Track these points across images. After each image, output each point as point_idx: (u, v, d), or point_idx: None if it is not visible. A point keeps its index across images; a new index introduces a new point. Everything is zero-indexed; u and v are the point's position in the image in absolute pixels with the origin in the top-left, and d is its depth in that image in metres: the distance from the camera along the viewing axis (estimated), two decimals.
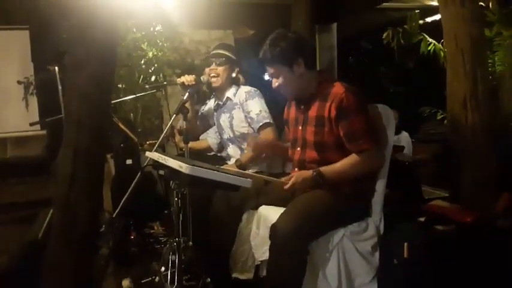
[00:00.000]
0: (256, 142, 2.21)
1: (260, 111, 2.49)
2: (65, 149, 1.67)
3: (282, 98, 2.23)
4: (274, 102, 2.56)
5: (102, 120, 1.73)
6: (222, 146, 2.91)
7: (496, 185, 2.35)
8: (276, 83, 2.01)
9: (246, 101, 2.54)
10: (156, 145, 2.31)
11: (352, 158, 1.90)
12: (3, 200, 4.23)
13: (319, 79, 2.03)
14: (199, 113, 2.87)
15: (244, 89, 2.59)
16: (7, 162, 5.19)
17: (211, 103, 2.84)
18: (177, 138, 3.20)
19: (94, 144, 1.67)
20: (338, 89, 1.92)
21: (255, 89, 2.58)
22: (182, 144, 2.98)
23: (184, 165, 1.63)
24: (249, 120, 2.54)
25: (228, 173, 1.75)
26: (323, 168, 1.90)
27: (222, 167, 2.37)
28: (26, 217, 3.10)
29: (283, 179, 1.94)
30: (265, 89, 2.55)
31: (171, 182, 1.96)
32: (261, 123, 2.47)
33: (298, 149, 2.08)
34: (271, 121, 2.49)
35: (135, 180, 2.30)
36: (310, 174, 1.90)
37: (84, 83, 1.65)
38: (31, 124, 2.92)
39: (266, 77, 2.06)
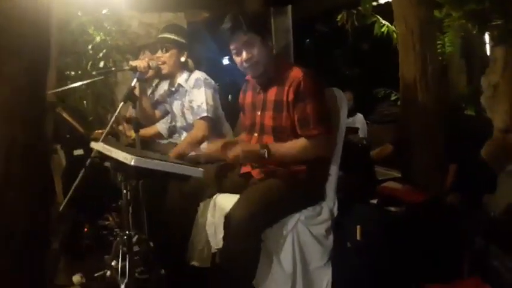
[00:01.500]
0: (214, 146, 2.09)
1: (202, 103, 2.42)
2: None
3: (242, 81, 2.19)
4: (234, 85, 2.51)
5: (38, 113, 1.62)
6: (172, 131, 2.84)
7: (445, 164, 2.42)
8: (247, 54, 1.92)
9: (192, 88, 2.48)
10: (103, 135, 2.21)
11: (301, 142, 1.88)
12: None
13: (277, 63, 1.99)
14: (155, 99, 2.77)
15: (195, 75, 2.52)
16: None
17: (164, 88, 2.75)
18: (125, 126, 3.09)
19: (30, 138, 1.56)
20: (296, 73, 1.89)
21: (206, 78, 2.51)
22: (130, 133, 2.90)
23: (129, 156, 1.55)
24: (190, 108, 2.48)
25: (177, 163, 1.70)
26: (271, 145, 1.87)
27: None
28: None
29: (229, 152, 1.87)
30: (223, 74, 2.49)
31: (117, 173, 1.87)
32: (198, 116, 2.42)
33: (256, 134, 2.04)
34: (210, 115, 2.43)
35: (81, 173, 2.20)
36: (257, 148, 1.85)
37: (15, 74, 1.52)
38: None
39: (225, 61, 1.98)
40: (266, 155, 1.83)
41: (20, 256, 1.61)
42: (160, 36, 2.53)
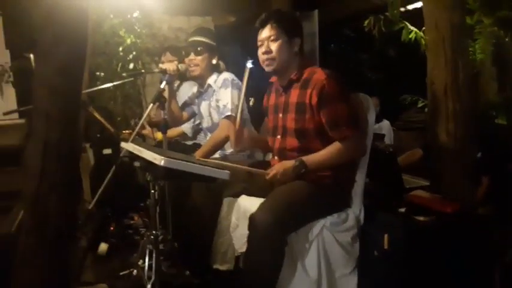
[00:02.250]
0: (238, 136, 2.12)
1: (227, 102, 2.44)
2: (34, 143, 1.59)
3: (266, 85, 2.19)
4: (258, 89, 2.52)
5: (73, 112, 1.65)
6: (196, 131, 2.86)
7: (476, 173, 2.36)
8: (267, 47, 1.95)
9: (220, 88, 2.49)
10: (133, 135, 2.25)
11: (335, 146, 1.87)
12: None
13: (301, 65, 1.99)
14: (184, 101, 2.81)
15: (224, 75, 2.54)
16: None
17: (194, 90, 2.78)
18: (147, 130, 3.14)
19: (65, 137, 1.59)
20: (319, 75, 1.89)
21: (234, 78, 2.52)
22: (154, 135, 2.94)
23: (158, 157, 1.58)
24: (216, 108, 2.49)
25: (205, 165, 1.71)
26: (305, 158, 1.87)
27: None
28: (2, 208, 3.02)
29: (267, 171, 1.90)
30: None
31: (147, 173, 1.90)
32: (223, 116, 2.43)
33: (278, 137, 2.04)
34: (235, 115, 2.43)
35: (110, 172, 2.24)
36: (292, 164, 1.86)
37: (51, 74, 1.56)
38: (5, 113, 2.82)
39: (249, 64, 2.00)
40: (303, 169, 1.85)
41: (53, 249, 1.64)
42: (191, 39, 2.56)
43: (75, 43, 1.61)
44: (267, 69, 2.02)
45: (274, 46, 1.95)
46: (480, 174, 2.46)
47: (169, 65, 2.43)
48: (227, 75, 2.53)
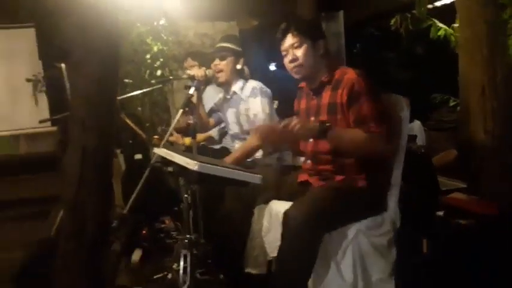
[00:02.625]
0: (261, 129, 2.08)
1: (258, 112, 2.44)
2: (72, 150, 1.63)
3: (290, 87, 2.18)
4: (282, 92, 2.51)
5: (108, 120, 1.69)
6: (222, 134, 2.88)
7: None
8: (293, 55, 1.94)
9: (249, 97, 2.50)
10: (163, 140, 2.28)
11: (361, 133, 1.80)
12: (16, 196, 4.27)
13: (331, 66, 1.98)
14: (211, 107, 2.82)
15: (251, 84, 2.54)
16: (20, 158, 5.24)
17: (220, 96, 2.80)
18: (175, 136, 3.17)
19: (101, 144, 1.63)
20: (350, 75, 1.88)
21: (262, 86, 2.52)
22: (182, 141, 2.97)
23: (191, 161, 1.59)
24: (245, 117, 2.50)
25: (237, 169, 1.71)
26: (333, 127, 1.79)
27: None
28: (38, 213, 3.11)
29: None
30: (271, 80, 2.50)
31: (180, 178, 1.92)
32: (254, 124, 2.42)
33: (311, 140, 2.02)
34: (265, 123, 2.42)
35: (143, 177, 2.27)
36: (316, 126, 1.78)
37: (86, 83, 1.60)
38: (41, 121, 2.91)
39: (273, 67, 1.99)
40: (326, 131, 1.76)
41: (89, 254, 1.68)
42: (217, 46, 2.59)
43: (108, 53, 1.64)
44: (296, 76, 2.01)
45: (299, 52, 1.94)
46: None
47: (197, 71, 2.46)
48: (255, 84, 2.52)
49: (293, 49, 1.95)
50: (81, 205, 1.62)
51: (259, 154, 2.56)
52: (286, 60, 1.99)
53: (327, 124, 1.78)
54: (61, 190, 1.69)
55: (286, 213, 1.77)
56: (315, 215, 1.71)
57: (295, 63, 1.95)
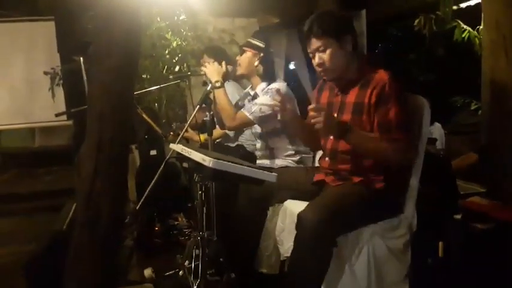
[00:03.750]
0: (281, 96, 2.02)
1: (257, 104, 2.39)
2: (88, 143, 1.64)
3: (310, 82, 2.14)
4: (298, 91, 2.47)
5: (125, 113, 1.69)
6: (238, 133, 2.86)
7: None
8: (319, 59, 1.88)
9: (263, 95, 2.45)
10: (180, 136, 2.27)
11: (382, 140, 1.77)
12: (30, 188, 4.34)
13: (360, 65, 1.92)
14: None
15: (274, 85, 2.48)
16: (35, 151, 5.32)
17: (244, 91, 2.77)
18: (190, 132, 3.16)
19: (117, 137, 1.63)
20: (382, 75, 1.81)
21: (278, 88, 2.48)
22: (196, 138, 2.96)
23: (207, 158, 1.57)
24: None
25: (252, 167, 1.69)
26: (356, 129, 1.77)
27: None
28: (53, 206, 3.14)
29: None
30: (289, 79, 2.46)
31: (195, 174, 1.91)
32: (245, 111, 2.40)
33: (331, 137, 1.97)
34: (252, 118, 2.39)
35: (158, 172, 2.27)
36: (338, 121, 1.77)
37: (106, 75, 1.60)
38: (57, 115, 2.93)
39: (292, 66, 1.96)
40: (347, 131, 1.74)
41: (102, 247, 1.68)
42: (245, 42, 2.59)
43: (129, 45, 1.64)
44: (326, 79, 1.97)
45: (325, 56, 1.87)
46: None
47: (209, 68, 2.45)
48: (276, 85, 2.46)
49: (319, 53, 1.88)
50: (95, 197, 1.62)
51: (278, 159, 2.51)
52: (314, 63, 1.93)
53: (348, 126, 1.75)
54: (75, 183, 1.69)
55: (300, 215, 1.74)
56: (330, 217, 1.68)
57: (323, 67, 1.89)
